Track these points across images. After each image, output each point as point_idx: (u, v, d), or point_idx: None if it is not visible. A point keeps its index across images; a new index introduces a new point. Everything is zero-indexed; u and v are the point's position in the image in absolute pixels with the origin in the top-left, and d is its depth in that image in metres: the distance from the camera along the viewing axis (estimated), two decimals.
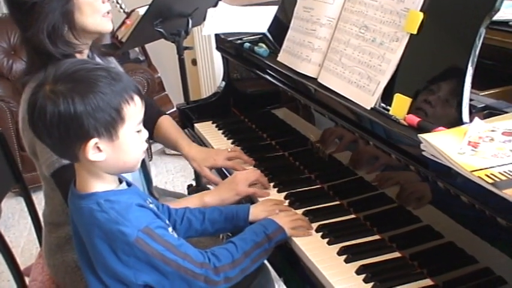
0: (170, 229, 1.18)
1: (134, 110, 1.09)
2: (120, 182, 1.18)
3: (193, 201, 1.45)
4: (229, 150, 1.71)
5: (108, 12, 1.42)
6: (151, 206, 1.18)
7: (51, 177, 1.36)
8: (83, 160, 1.09)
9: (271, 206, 1.40)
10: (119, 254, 1.08)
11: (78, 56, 1.42)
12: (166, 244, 1.10)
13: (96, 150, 1.07)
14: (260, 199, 1.49)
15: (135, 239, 1.07)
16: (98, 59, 1.55)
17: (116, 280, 1.13)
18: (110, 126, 1.06)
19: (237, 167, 1.64)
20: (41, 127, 1.06)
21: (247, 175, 1.52)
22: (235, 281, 1.18)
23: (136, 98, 1.10)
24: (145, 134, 1.15)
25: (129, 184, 1.19)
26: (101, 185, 1.13)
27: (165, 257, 1.09)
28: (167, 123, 1.79)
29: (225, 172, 1.72)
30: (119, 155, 1.10)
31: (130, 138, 1.10)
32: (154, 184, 1.78)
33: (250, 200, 1.51)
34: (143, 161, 1.55)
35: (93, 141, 1.06)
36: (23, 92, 1.40)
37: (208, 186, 2.18)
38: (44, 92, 1.05)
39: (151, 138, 1.79)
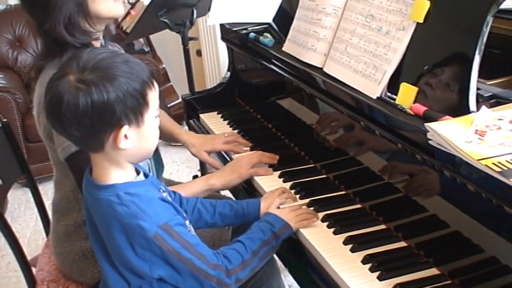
0: (187, 222, 1.18)
1: (155, 95, 1.11)
2: (137, 173, 1.17)
3: (200, 184, 1.47)
4: (226, 135, 1.76)
5: None
6: (166, 196, 1.18)
7: (65, 161, 1.36)
8: (108, 149, 1.09)
9: (281, 199, 1.40)
10: (135, 247, 1.08)
11: (95, 43, 1.43)
12: (183, 242, 1.10)
13: (124, 138, 1.07)
14: (263, 177, 1.54)
15: (153, 234, 1.06)
16: (110, 47, 1.56)
17: (132, 272, 1.13)
18: (138, 112, 1.06)
19: (235, 149, 1.71)
20: (71, 119, 1.03)
21: (250, 159, 1.56)
22: (245, 280, 1.19)
23: (155, 82, 1.11)
24: (158, 120, 1.16)
25: (146, 175, 1.19)
26: (120, 175, 1.12)
27: (180, 254, 1.09)
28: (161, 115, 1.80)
29: (225, 156, 1.75)
30: (142, 141, 1.10)
31: (152, 124, 1.11)
32: None
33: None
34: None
35: (125, 129, 1.06)
36: (39, 76, 1.40)
37: None
38: (70, 83, 1.03)
39: None
